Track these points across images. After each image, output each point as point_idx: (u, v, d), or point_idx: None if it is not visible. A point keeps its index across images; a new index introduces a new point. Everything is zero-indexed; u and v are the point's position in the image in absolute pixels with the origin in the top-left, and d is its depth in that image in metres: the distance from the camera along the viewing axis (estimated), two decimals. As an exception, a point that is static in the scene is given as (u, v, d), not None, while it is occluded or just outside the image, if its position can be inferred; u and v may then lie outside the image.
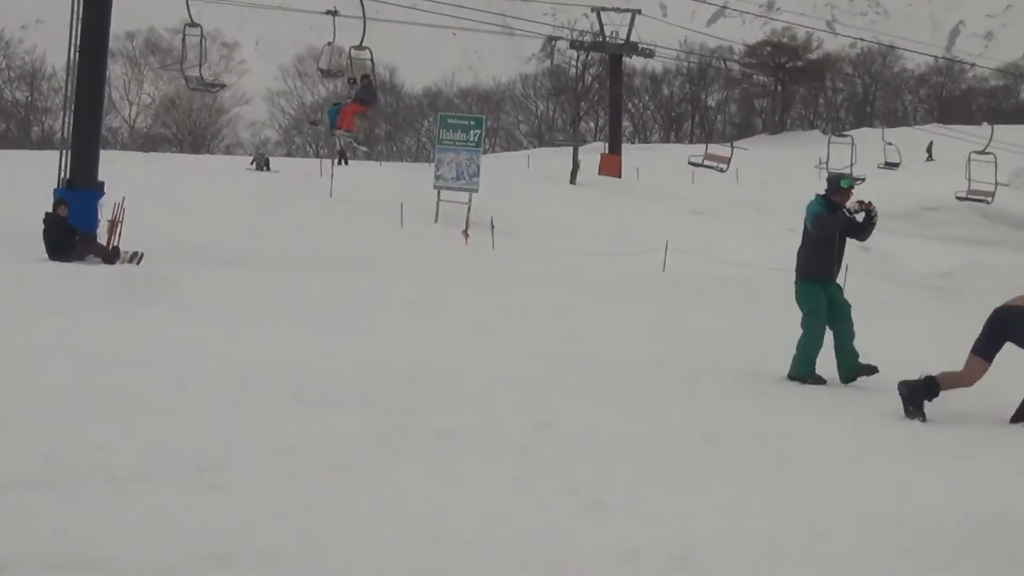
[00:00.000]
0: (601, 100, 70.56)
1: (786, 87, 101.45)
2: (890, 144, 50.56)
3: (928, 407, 9.57)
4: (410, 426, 7.93)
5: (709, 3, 59.01)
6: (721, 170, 44.73)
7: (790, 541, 5.81)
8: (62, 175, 20.40)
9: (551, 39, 64.85)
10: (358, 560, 5.19)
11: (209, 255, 21.66)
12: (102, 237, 19.86)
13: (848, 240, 11.73)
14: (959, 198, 41.61)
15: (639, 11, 56.73)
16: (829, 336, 11.53)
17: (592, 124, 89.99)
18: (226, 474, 6.41)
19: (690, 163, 46.97)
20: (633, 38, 55.98)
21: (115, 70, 73.04)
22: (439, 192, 35.04)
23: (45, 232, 18.90)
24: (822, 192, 11.78)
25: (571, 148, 49.80)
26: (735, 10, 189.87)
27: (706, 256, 31.14)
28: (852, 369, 11.39)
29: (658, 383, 10.71)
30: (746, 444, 8.16)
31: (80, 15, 20.24)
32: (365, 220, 32.51)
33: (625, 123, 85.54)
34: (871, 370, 11.30)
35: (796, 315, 11.66)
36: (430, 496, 6.27)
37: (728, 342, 14.33)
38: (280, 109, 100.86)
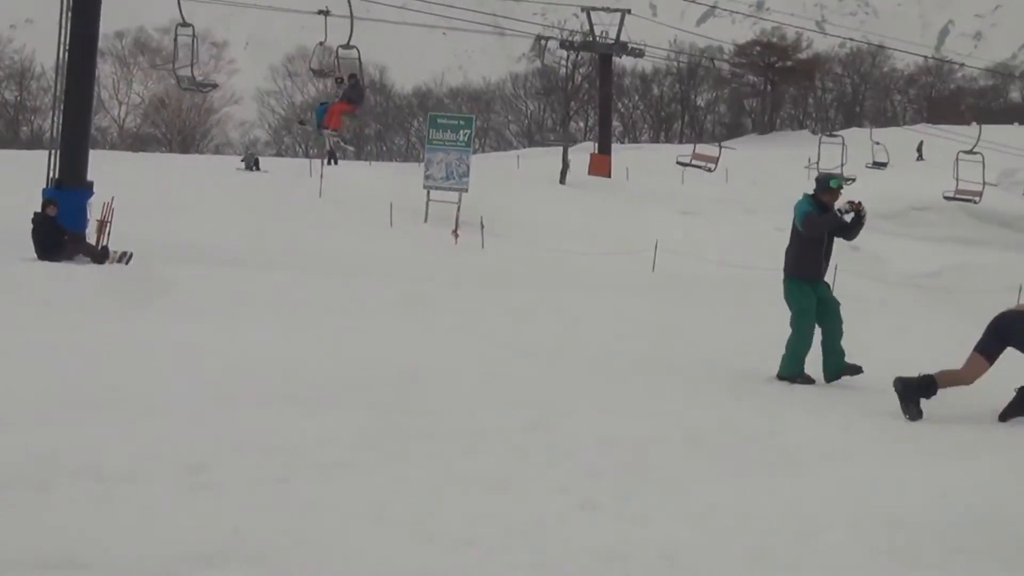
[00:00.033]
0: (591, 100, 70.62)
1: (776, 87, 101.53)
2: (878, 144, 50.69)
3: (922, 405, 9.60)
4: (400, 426, 7.93)
5: (699, 3, 59.11)
6: (709, 170, 44.77)
7: (780, 541, 5.82)
8: (51, 175, 20.35)
9: (539, 38, 64.84)
10: (348, 560, 5.20)
11: (199, 255, 21.62)
12: (91, 237, 19.82)
13: (835, 239, 11.75)
14: (947, 198, 41.66)
15: (629, 11, 56.71)
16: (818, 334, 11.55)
17: (582, 124, 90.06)
18: (216, 474, 6.41)
19: (678, 163, 46.99)
20: (623, 38, 55.94)
21: (104, 69, 73.08)
22: (429, 192, 35.03)
23: (34, 232, 18.85)
24: (810, 192, 11.77)
25: (561, 148, 49.81)
26: (725, 10, 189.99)
27: (695, 256, 31.18)
28: (837, 368, 11.41)
29: (648, 383, 10.71)
30: (736, 444, 8.17)
31: (69, 14, 20.19)
32: (355, 220, 32.51)
33: (615, 123, 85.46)
34: (855, 370, 11.32)
35: (785, 315, 11.67)
36: (421, 496, 6.28)
37: (717, 342, 14.34)
38: (270, 109, 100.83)
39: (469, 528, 5.71)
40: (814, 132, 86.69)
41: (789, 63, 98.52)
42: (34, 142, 73.90)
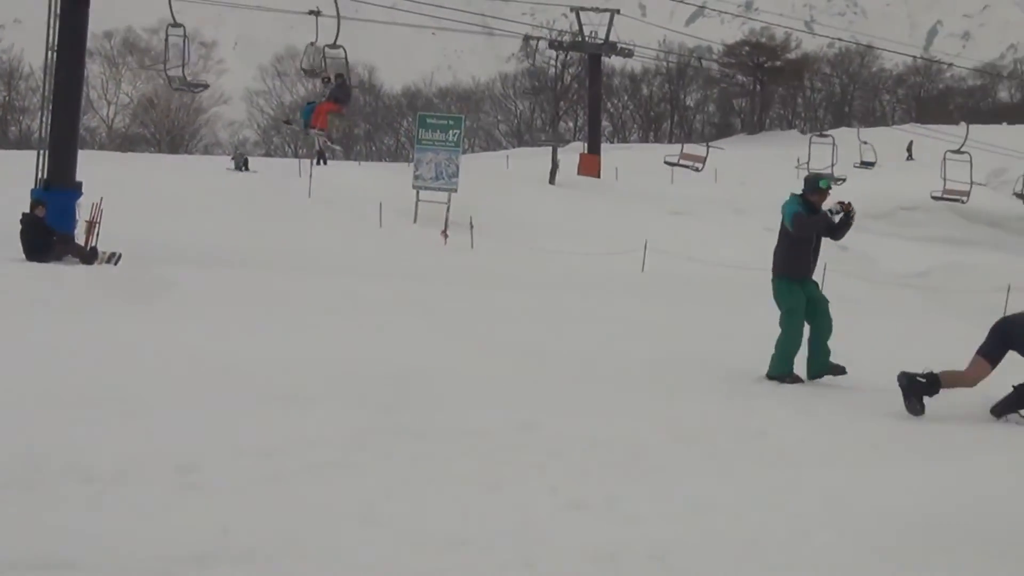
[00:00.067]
0: (580, 100, 70.64)
1: (765, 87, 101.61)
2: (865, 143, 50.75)
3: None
4: (389, 426, 7.93)
5: (688, 3, 59.16)
6: (697, 169, 44.78)
7: (769, 540, 5.82)
8: (39, 175, 20.32)
9: (527, 39, 64.86)
10: (337, 561, 5.19)
11: (188, 256, 21.60)
12: (80, 238, 19.79)
13: (823, 238, 11.75)
14: (934, 198, 41.69)
15: (618, 11, 56.77)
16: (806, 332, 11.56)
17: (571, 124, 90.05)
18: (206, 474, 6.40)
19: (666, 162, 46.99)
20: (612, 38, 56.01)
21: (93, 70, 72.85)
22: (418, 192, 35.04)
23: (22, 233, 18.82)
24: (798, 192, 11.76)
25: (550, 148, 49.84)
26: (714, 10, 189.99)
27: (685, 256, 31.21)
28: (821, 367, 11.43)
29: (637, 383, 10.71)
30: (725, 443, 8.17)
31: (57, 14, 20.17)
32: (344, 220, 32.51)
33: (604, 123, 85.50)
34: (839, 370, 11.34)
35: (774, 314, 11.68)
36: (409, 496, 6.27)
37: (707, 341, 14.36)
38: (259, 109, 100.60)
39: (458, 528, 5.71)
40: (803, 132, 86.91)
41: (778, 63, 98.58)
42: (22, 142, 73.70)
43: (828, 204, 11.61)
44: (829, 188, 11.63)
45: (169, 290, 15.47)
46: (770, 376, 11.38)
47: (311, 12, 30.64)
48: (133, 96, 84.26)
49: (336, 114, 29.71)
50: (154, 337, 11.56)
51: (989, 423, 9.52)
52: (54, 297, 14.62)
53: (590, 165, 52.98)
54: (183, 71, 27.81)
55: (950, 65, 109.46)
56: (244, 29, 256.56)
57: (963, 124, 50.28)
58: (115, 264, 18.88)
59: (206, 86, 37.10)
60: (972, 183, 39.25)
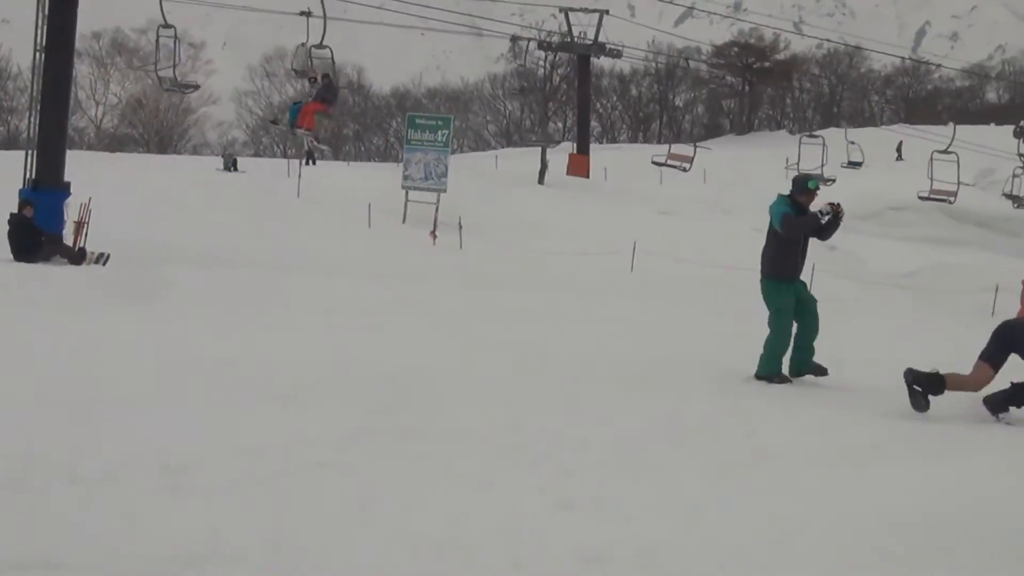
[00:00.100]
0: (569, 100, 70.69)
1: (753, 87, 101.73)
2: (853, 143, 50.83)
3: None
4: (382, 427, 7.92)
5: (677, 4, 59.17)
6: (684, 169, 44.80)
7: (757, 541, 5.83)
8: (28, 175, 20.27)
9: (515, 39, 64.87)
10: (327, 561, 5.19)
11: (178, 256, 21.56)
12: (68, 238, 19.75)
13: (811, 239, 11.77)
14: (921, 198, 41.72)
15: (607, 12, 56.86)
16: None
17: (560, 124, 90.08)
18: (196, 475, 6.39)
19: (653, 162, 47.01)
20: (601, 38, 56.10)
21: (81, 70, 72.66)
22: (407, 192, 35.03)
23: (10, 233, 18.78)
24: (786, 192, 11.76)
25: (539, 148, 49.88)
26: (702, 11, 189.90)
27: (673, 256, 31.24)
28: (803, 365, 11.44)
29: (625, 383, 10.71)
30: (713, 443, 8.18)
31: (46, 15, 20.13)
32: (333, 221, 32.51)
33: (593, 123, 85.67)
34: (821, 371, 11.37)
35: (763, 314, 11.69)
36: (398, 497, 6.27)
37: (695, 341, 14.36)
38: (247, 109, 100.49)
39: (447, 529, 5.71)
40: (792, 132, 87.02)
41: (767, 64, 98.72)
42: (11, 142, 73.48)
43: (817, 205, 11.62)
44: (817, 189, 11.64)
45: (161, 290, 15.44)
46: (759, 376, 11.39)
47: (302, 13, 30.63)
48: (121, 96, 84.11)
49: (323, 114, 29.68)
50: (146, 337, 11.54)
51: (989, 423, 9.52)
52: (43, 297, 14.59)
53: (579, 165, 53.07)
54: (174, 72, 27.79)
55: (938, 66, 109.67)
56: (233, 30, 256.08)
57: (951, 125, 50.36)
58: (103, 264, 18.85)
59: (197, 87, 37.09)
60: (960, 183, 39.32)
